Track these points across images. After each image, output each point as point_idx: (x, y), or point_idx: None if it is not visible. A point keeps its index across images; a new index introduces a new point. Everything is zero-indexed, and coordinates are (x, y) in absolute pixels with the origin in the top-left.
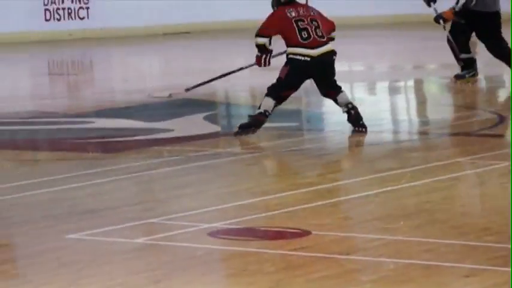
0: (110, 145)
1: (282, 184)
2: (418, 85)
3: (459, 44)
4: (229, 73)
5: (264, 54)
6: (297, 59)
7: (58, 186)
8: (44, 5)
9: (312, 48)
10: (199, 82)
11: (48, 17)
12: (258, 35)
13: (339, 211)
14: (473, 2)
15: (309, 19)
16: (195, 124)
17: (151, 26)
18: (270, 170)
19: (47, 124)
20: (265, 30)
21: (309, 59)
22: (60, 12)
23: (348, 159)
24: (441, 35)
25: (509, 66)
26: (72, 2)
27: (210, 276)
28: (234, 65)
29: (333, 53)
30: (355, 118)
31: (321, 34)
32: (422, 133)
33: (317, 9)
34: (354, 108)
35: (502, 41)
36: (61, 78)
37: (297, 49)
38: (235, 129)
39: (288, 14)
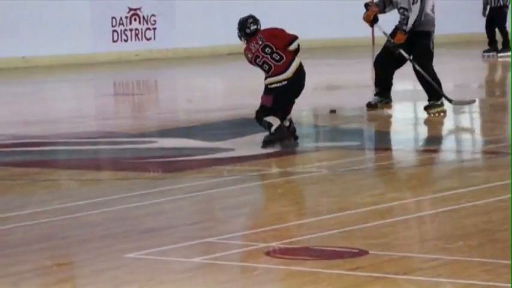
0: (171, 165)
1: (340, 203)
2: (483, 104)
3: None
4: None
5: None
6: (277, 87)
7: (118, 205)
8: (112, 26)
9: (281, 73)
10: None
11: (115, 38)
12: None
13: (397, 231)
14: (421, 21)
15: (260, 51)
16: (256, 144)
17: (216, 46)
18: (329, 190)
19: (110, 144)
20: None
21: (286, 82)
22: (128, 33)
23: (408, 178)
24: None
25: (426, 87)
26: (139, 23)
27: None
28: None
29: (302, 66)
30: (292, 130)
31: (278, 57)
32: (486, 152)
33: (273, 27)
34: (292, 121)
35: (431, 62)
36: (126, 98)
37: (270, 79)
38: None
39: (247, 58)
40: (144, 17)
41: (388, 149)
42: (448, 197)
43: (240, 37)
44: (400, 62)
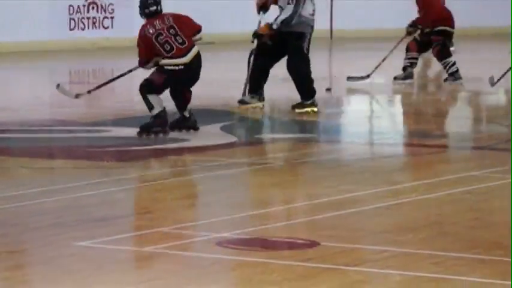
0: (125, 154)
1: (293, 195)
2: (438, 98)
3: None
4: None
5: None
6: (172, 69)
7: (71, 194)
8: (69, 14)
9: (181, 56)
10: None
11: (72, 26)
12: (141, 65)
13: (348, 223)
14: (293, 21)
15: (165, 30)
16: (211, 134)
17: None
18: (283, 181)
19: (64, 132)
20: (143, 57)
21: (182, 66)
22: (85, 21)
23: (361, 171)
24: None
25: (298, 86)
26: (97, 11)
27: (216, 286)
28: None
29: (200, 55)
30: (192, 121)
31: (181, 40)
32: (439, 146)
33: (181, 13)
34: (192, 113)
35: (306, 60)
36: (81, 86)
37: (168, 61)
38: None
39: (147, 33)
40: (102, 6)
41: (342, 141)
42: (400, 190)
43: (140, 15)
44: (275, 59)
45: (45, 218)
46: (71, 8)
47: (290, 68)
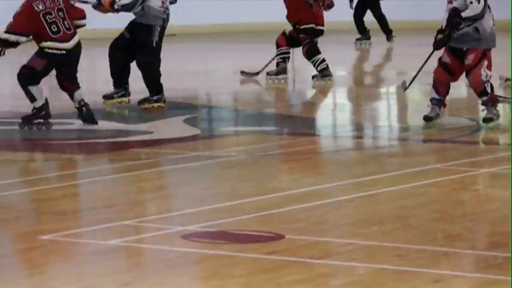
0: (88, 147)
1: (257, 188)
2: (400, 91)
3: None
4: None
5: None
6: (54, 53)
7: (33, 187)
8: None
9: (65, 41)
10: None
11: None
12: (9, 31)
13: (313, 216)
14: (135, 10)
15: (55, 10)
16: (174, 127)
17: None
18: (247, 174)
19: None
20: (17, 27)
21: (65, 52)
22: None
23: (324, 164)
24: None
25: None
26: None
27: (181, 279)
28: (219, 67)
29: (80, 43)
30: (87, 114)
31: (68, 26)
32: (402, 139)
33: None
34: (86, 105)
35: (154, 55)
36: (43, 78)
37: (51, 43)
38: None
39: (36, 8)
40: None
41: (307, 134)
42: (364, 183)
43: None
44: (133, 53)
45: (8, 211)
46: None
47: (137, 62)
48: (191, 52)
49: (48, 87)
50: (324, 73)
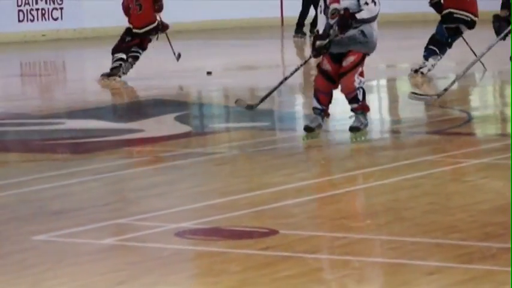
0: (80, 146)
1: (250, 184)
2: (390, 84)
3: None
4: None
5: None
6: None
7: (26, 187)
8: (17, 5)
9: None
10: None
11: (21, 18)
12: None
13: (306, 210)
14: None
15: None
16: (165, 124)
17: (125, 26)
18: (239, 170)
19: (17, 125)
20: None
21: None
22: (34, 13)
23: (316, 159)
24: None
25: None
26: (46, 2)
27: (176, 277)
28: (205, 65)
29: None
30: None
31: None
32: (393, 132)
33: None
34: None
35: None
36: (33, 79)
37: None
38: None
39: None
40: None
41: (297, 129)
42: (356, 176)
43: None
44: None
45: (1, 212)
46: (19, 0)
47: None
48: (181, 49)
49: (39, 86)
50: (112, 72)
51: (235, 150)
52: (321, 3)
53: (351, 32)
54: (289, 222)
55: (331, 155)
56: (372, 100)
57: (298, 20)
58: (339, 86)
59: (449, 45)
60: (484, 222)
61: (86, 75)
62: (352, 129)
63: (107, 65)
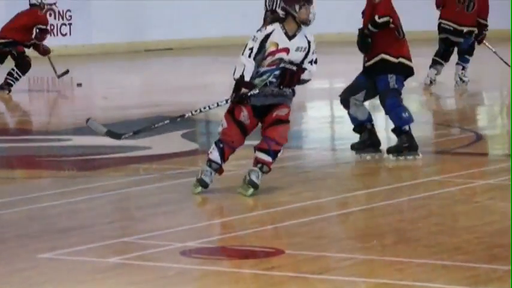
0: (87, 163)
1: (256, 202)
2: None
3: None
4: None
5: None
6: None
7: (32, 204)
8: None
9: None
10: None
11: None
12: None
13: (312, 230)
14: None
15: None
16: (172, 142)
17: (134, 42)
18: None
19: (24, 141)
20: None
21: None
22: None
23: (323, 178)
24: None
25: None
26: (54, 18)
27: None
28: (215, 81)
29: None
30: None
31: None
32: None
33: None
34: None
35: None
36: (41, 94)
37: None
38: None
39: None
40: (59, 12)
41: (304, 147)
42: (362, 196)
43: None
44: None
45: (7, 230)
46: None
47: None
48: (187, 66)
49: (46, 102)
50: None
51: (243, 168)
52: (252, 45)
53: (286, 89)
54: (295, 242)
55: (337, 175)
56: (378, 119)
57: None
58: (267, 133)
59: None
60: (490, 244)
61: (93, 92)
62: (252, 183)
63: (115, 80)
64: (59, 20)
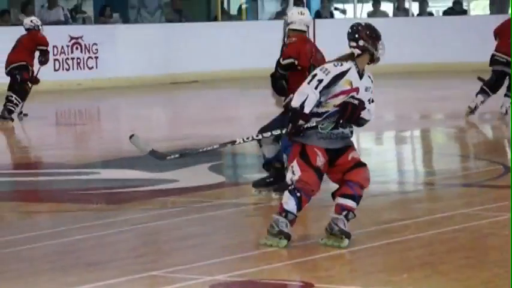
0: (115, 196)
1: None
2: (425, 135)
3: None
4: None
5: None
6: None
7: (62, 238)
8: (53, 55)
9: None
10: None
11: (57, 67)
12: None
13: (342, 263)
14: None
15: None
16: (200, 174)
17: (160, 75)
18: None
19: (52, 175)
20: None
21: None
22: (69, 62)
23: None
24: (448, 85)
25: None
26: (81, 52)
27: None
28: (241, 114)
29: None
30: None
31: None
32: (428, 184)
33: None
34: None
35: None
36: (68, 128)
37: None
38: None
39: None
40: (85, 46)
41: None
42: (392, 229)
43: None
44: None
45: (36, 263)
46: (55, 49)
47: None
48: (213, 98)
49: (74, 136)
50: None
51: (270, 201)
52: (322, 76)
53: (348, 130)
54: (325, 275)
55: (367, 207)
56: (405, 151)
57: None
58: (350, 177)
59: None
60: None
61: (120, 124)
62: (344, 233)
63: (141, 113)
64: (85, 53)
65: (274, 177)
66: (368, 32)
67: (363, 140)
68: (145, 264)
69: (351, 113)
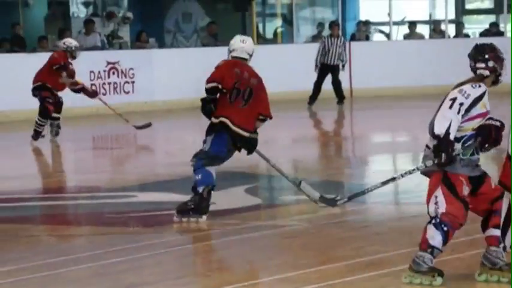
0: (151, 219)
1: (321, 257)
2: None
3: None
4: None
5: None
6: None
7: (99, 261)
8: (90, 80)
9: None
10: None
11: None
12: None
13: (378, 285)
14: None
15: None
16: (236, 197)
17: (196, 98)
18: (310, 243)
19: (89, 198)
20: None
21: None
22: (106, 87)
23: (387, 232)
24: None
25: None
26: (117, 76)
27: None
28: (275, 136)
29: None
30: None
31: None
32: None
33: None
34: None
35: None
36: (105, 152)
37: None
38: None
39: None
40: (122, 71)
41: (367, 201)
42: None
43: None
44: None
45: (74, 286)
46: (92, 74)
47: None
48: None
49: (110, 159)
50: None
51: (305, 222)
52: (463, 100)
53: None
54: None
55: (402, 228)
56: None
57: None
58: (498, 207)
59: None
60: None
61: (156, 148)
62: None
63: (177, 137)
64: (122, 78)
65: (193, 200)
66: (496, 53)
67: (398, 162)
68: (182, 286)
69: (496, 136)
